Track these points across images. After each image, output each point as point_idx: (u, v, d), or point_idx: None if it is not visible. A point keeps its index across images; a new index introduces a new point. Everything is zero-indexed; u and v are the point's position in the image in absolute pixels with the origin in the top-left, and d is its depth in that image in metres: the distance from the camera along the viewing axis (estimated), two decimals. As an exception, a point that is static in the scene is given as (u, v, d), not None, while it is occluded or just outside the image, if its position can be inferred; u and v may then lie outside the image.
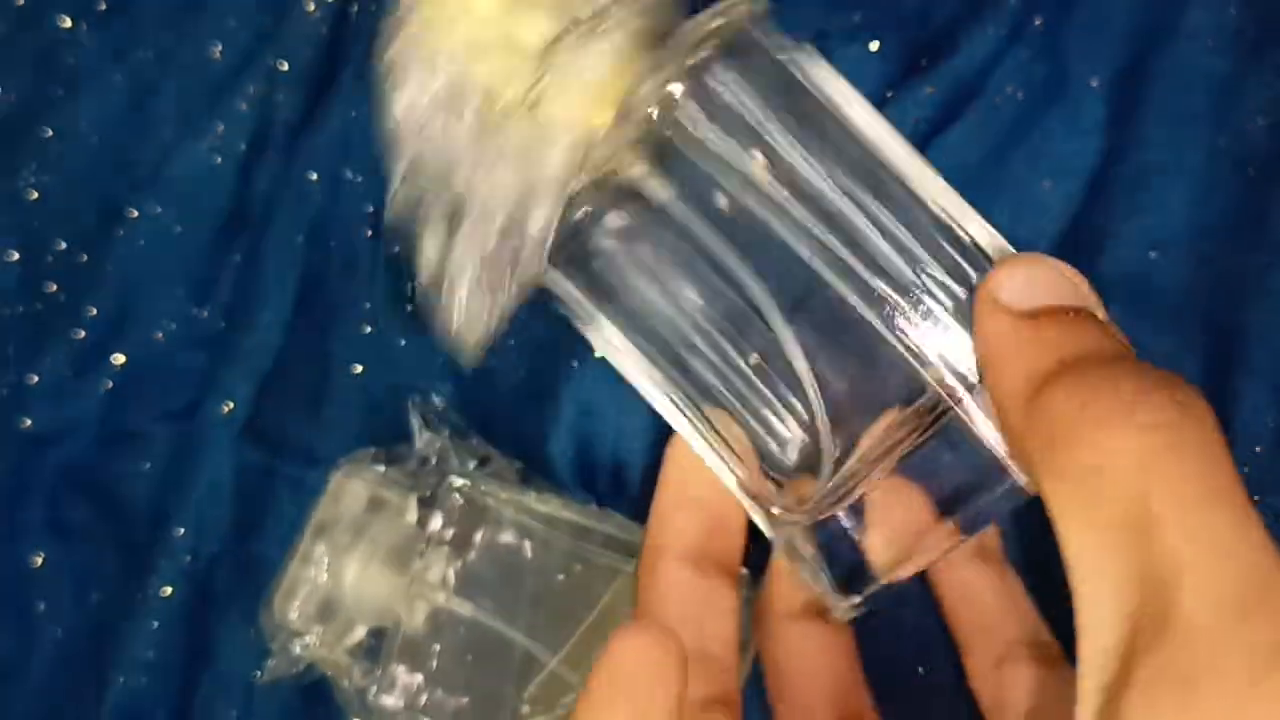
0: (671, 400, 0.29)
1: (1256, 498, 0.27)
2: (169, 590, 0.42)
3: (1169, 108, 0.37)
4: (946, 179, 0.38)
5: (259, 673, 0.40)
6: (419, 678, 0.38)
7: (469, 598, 0.38)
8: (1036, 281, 0.22)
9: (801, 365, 0.26)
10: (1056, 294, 0.22)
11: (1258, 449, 0.33)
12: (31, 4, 0.51)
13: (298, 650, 0.39)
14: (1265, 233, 0.35)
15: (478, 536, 0.39)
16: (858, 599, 0.27)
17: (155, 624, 0.42)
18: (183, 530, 0.43)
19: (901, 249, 0.25)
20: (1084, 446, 0.19)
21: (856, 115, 0.26)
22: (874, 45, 0.41)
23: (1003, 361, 0.22)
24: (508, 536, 0.39)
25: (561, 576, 0.38)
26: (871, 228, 0.25)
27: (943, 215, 0.25)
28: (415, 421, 0.42)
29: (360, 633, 0.39)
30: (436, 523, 0.39)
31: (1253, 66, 0.36)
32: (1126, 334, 0.36)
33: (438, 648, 0.38)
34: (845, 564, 0.27)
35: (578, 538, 0.38)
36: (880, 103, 0.40)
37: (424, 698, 0.38)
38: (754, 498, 0.28)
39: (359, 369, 0.44)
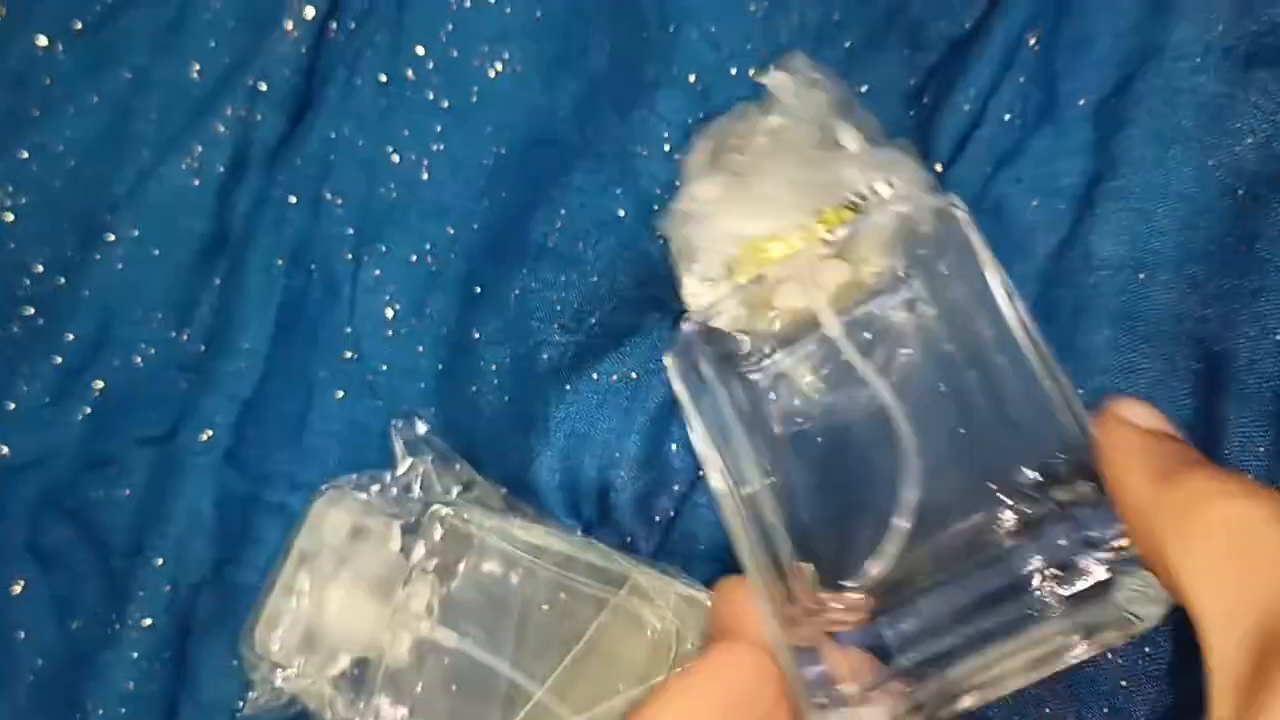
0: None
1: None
2: (149, 621, 0.42)
3: (1157, 128, 0.36)
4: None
5: (241, 704, 0.39)
6: (403, 710, 0.37)
7: (453, 627, 0.37)
8: (1146, 413, 0.28)
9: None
10: (1160, 423, 0.28)
11: (1249, 478, 0.33)
12: (7, 23, 0.50)
13: (280, 682, 0.38)
14: (1254, 256, 0.34)
15: (462, 565, 0.38)
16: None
17: (135, 654, 0.42)
18: (162, 560, 0.42)
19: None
20: (1218, 509, 0.24)
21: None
22: (864, 88, 0.41)
23: (1131, 457, 0.27)
24: (492, 565, 0.38)
25: (547, 606, 0.37)
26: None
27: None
28: (398, 447, 0.42)
29: (344, 663, 0.39)
30: (420, 551, 0.38)
31: (1240, 86, 0.36)
32: (1115, 357, 0.36)
33: (421, 679, 0.37)
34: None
35: (563, 566, 0.37)
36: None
37: None
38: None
39: (341, 394, 0.44)
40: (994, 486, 0.31)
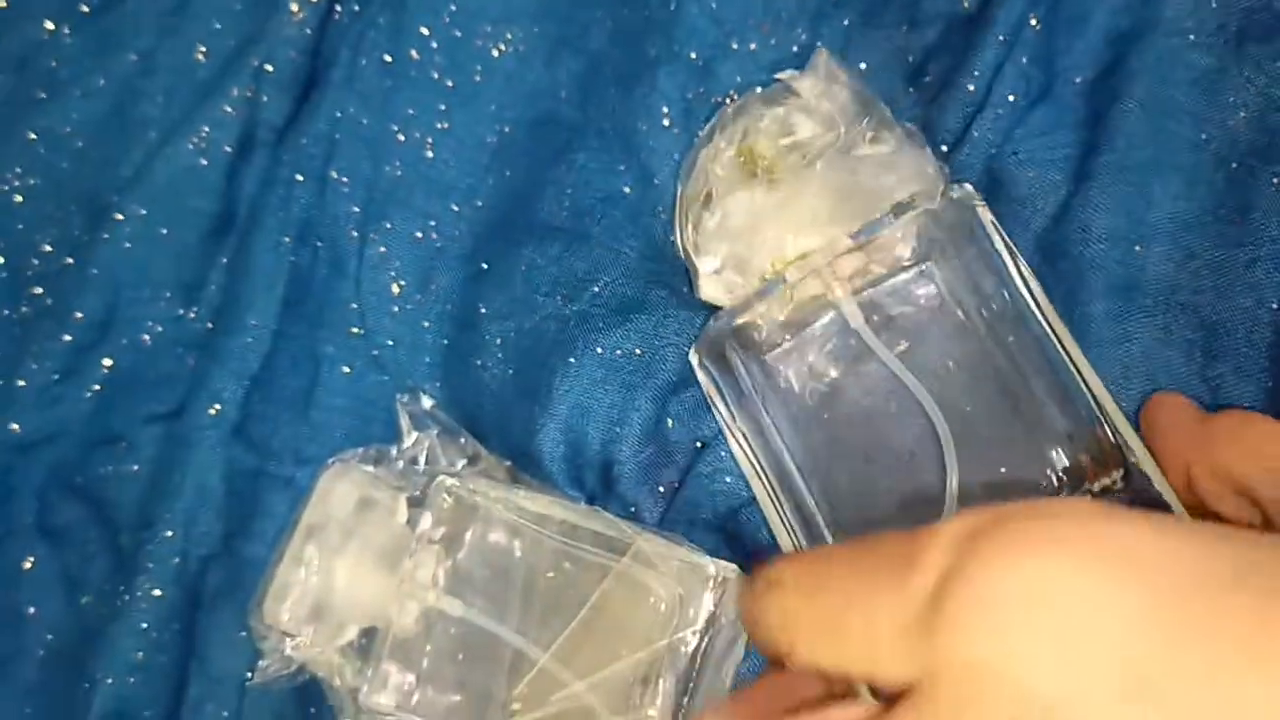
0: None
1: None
2: (158, 592, 0.42)
3: (1151, 102, 0.37)
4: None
5: (251, 674, 0.40)
6: (410, 677, 0.38)
7: (459, 596, 0.38)
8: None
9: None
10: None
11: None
12: (13, 7, 0.51)
13: (289, 651, 0.38)
14: (1249, 226, 0.35)
15: (468, 535, 0.39)
16: None
17: (144, 625, 0.42)
18: (171, 533, 0.43)
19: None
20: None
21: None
22: (863, 65, 0.42)
23: (1178, 412, 0.34)
24: (497, 535, 0.39)
25: (551, 574, 0.38)
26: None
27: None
28: (404, 421, 0.42)
29: (352, 633, 0.39)
30: (426, 522, 0.39)
31: (1234, 60, 0.36)
32: (1112, 328, 0.37)
33: (429, 647, 0.38)
34: None
35: (567, 535, 0.38)
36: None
37: (416, 697, 0.38)
38: None
39: (347, 369, 0.44)
40: (1025, 466, 0.33)
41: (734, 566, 0.36)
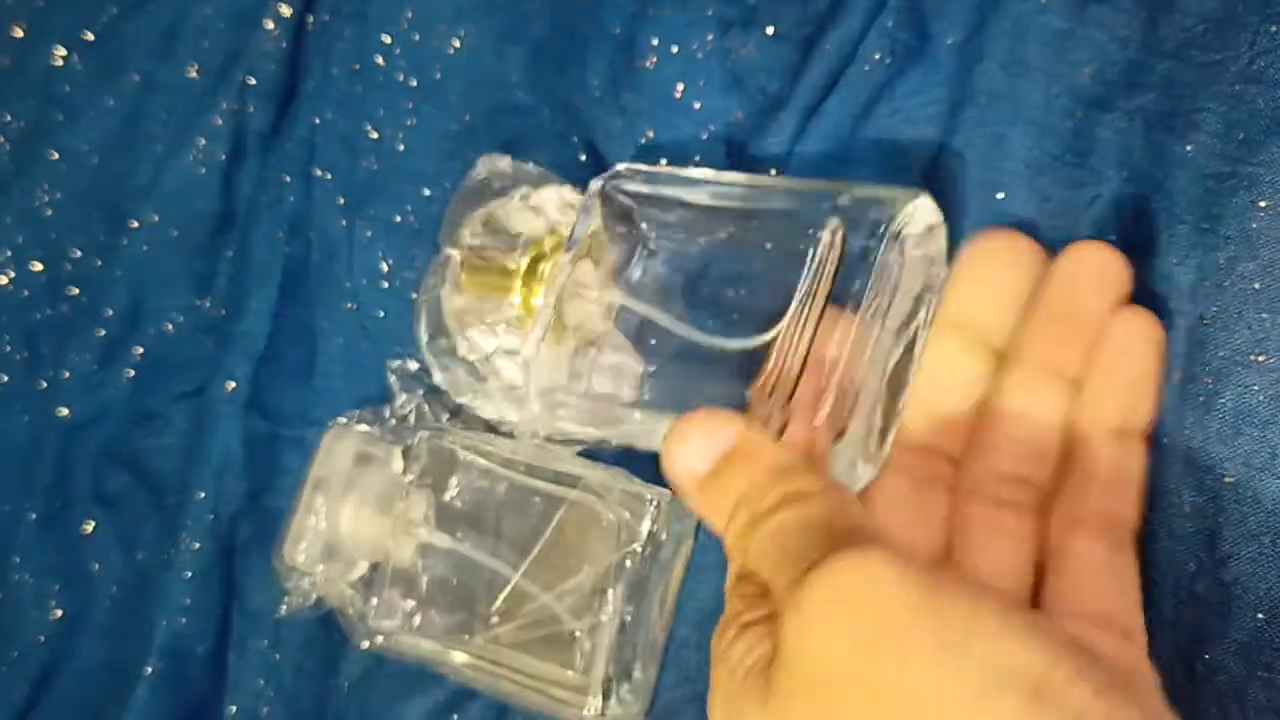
0: None
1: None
2: (198, 545, 0.49)
3: (1010, 61, 0.42)
4: (824, 140, 0.44)
5: (282, 608, 0.47)
6: (410, 603, 0.44)
7: (448, 531, 0.44)
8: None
9: None
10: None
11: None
12: (29, 37, 0.57)
13: (307, 587, 0.45)
14: (1090, 169, 0.40)
15: (452, 480, 0.45)
16: None
17: (189, 574, 0.49)
18: (203, 494, 0.50)
19: None
20: None
21: None
22: (770, 30, 0.46)
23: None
24: (475, 478, 0.45)
25: (521, 507, 0.44)
26: None
27: None
28: (393, 383, 0.48)
29: (361, 569, 0.46)
30: (415, 470, 0.45)
31: (1079, 21, 0.41)
32: None
33: (424, 577, 0.44)
34: None
35: (530, 474, 0.44)
36: (785, 91, 0.46)
37: (417, 619, 0.44)
38: None
39: (341, 341, 0.51)
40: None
41: (667, 492, 0.42)
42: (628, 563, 0.41)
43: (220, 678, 0.49)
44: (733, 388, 0.37)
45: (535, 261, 0.43)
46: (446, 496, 0.45)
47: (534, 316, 0.41)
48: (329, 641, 0.49)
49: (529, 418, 0.41)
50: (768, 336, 0.37)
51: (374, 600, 0.44)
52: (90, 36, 0.56)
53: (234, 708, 0.49)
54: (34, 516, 0.53)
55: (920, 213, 0.37)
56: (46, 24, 0.57)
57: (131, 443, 0.53)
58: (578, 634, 0.41)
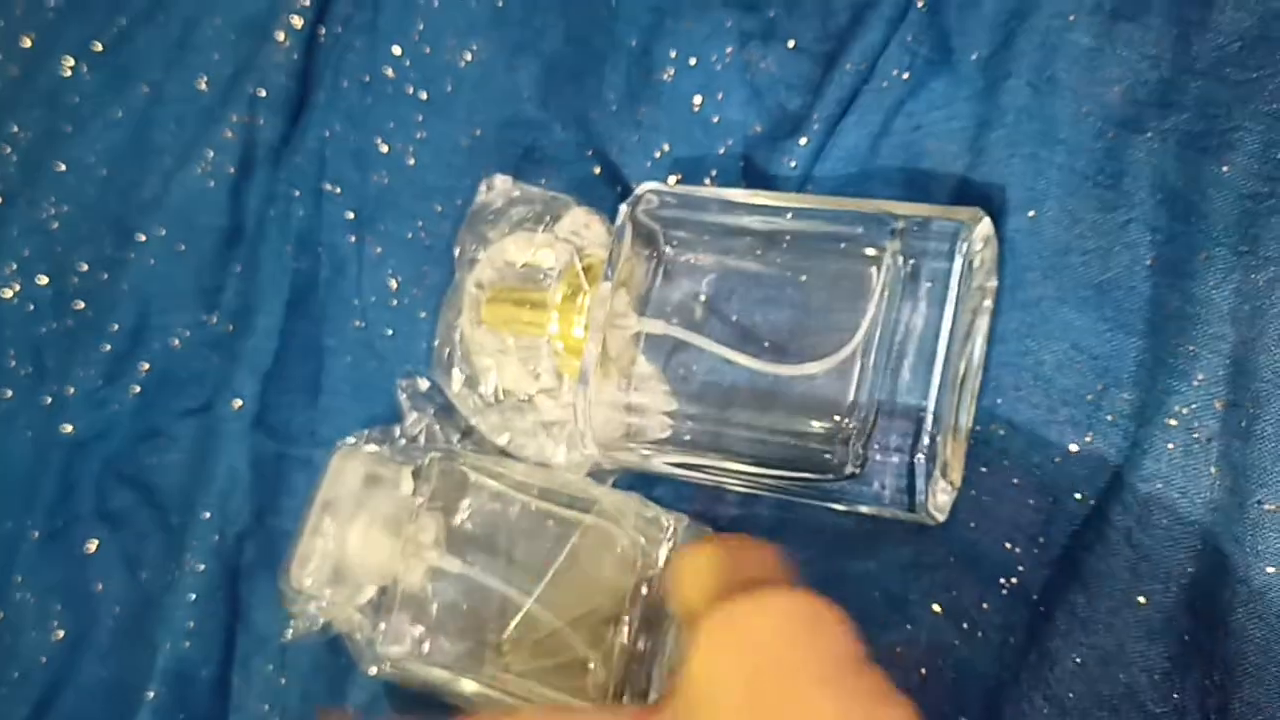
0: None
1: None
2: (202, 566, 0.49)
3: (1038, 79, 0.41)
4: (845, 156, 0.43)
5: (288, 632, 0.46)
6: (420, 629, 0.43)
7: (458, 555, 0.43)
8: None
9: None
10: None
11: (1125, 396, 0.37)
12: (37, 46, 0.56)
13: (313, 611, 0.44)
14: (1122, 191, 0.39)
15: (464, 502, 0.44)
16: None
17: (193, 596, 0.48)
18: (209, 514, 0.49)
19: None
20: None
21: None
22: (790, 43, 0.45)
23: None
24: (487, 500, 0.44)
25: (532, 531, 0.43)
26: None
27: None
28: (403, 402, 0.48)
29: (369, 593, 0.45)
30: (425, 492, 0.44)
31: (1107, 39, 0.40)
32: (1012, 289, 0.40)
33: (435, 601, 0.43)
34: None
35: (544, 497, 0.43)
36: (805, 105, 0.45)
37: (426, 645, 0.43)
38: None
39: (349, 359, 0.50)
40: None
41: (684, 517, 0.41)
42: (643, 589, 0.40)
43: (224, 704, 0.48)
44: (787, 418, 0.37)
45: (571, 293, 0.42)
46: (457, 519, 0.44)
47: (572, 350, 0.41)
48: (336, 666, 0.48)
49: (581, 458, 0.40)
50: (833, 362, 0.36)
51: (382, 625, 0.43)
52: (99, 47, 0.55)
53: (238, 733, 0.48)
54: (36, 534, 0.52)
55: (980, 231, 0.37)
56: (56, 34, 0.56)
57: (136, 460, 0.52)
58: (591, 664, 0.40)
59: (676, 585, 0.34)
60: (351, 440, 0.47)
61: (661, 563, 0.40)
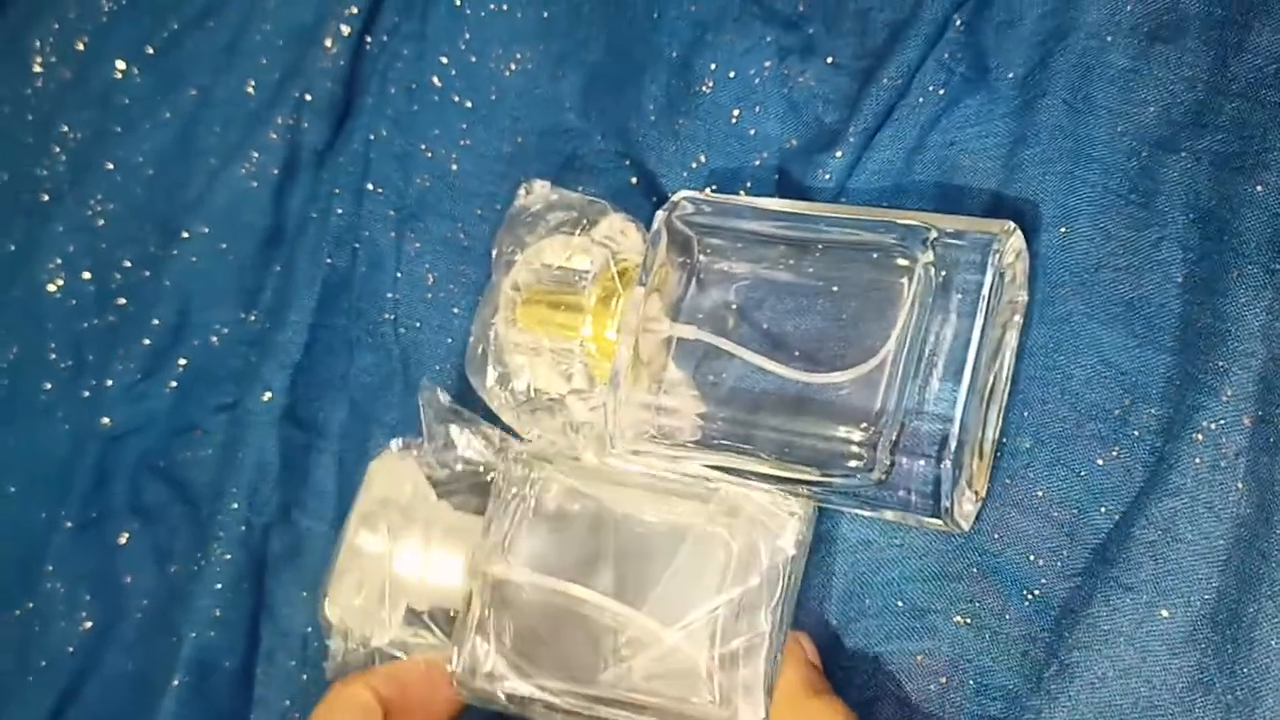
0: None
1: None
2: (229, 556, 0.49)
3: (1074, 99, 0.41)
4: (880, 170, 0.43)
5: (327, 665, 0.42)
6: (494, 650, 0.39)
7: (535, 566, 0.39)
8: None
9: None
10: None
11: (1152, 411, 0.37)
12: (90, 49, 0.58)
13: (356, 638, 0.41)
14: (1155, 209, 0.39)
15: (538, 506, 0.41)
16: None
17: (219, 585, 0.49)
18: (237, 505, 0.49)
19: None
20: None
21: None
22: (829, 59, 0.46)
23: None
24: (567, 503, 0.40)
25: (624, 535, 0.39)
26: None
27: None
28: (426, 414, 0.45)
29: (421, 610, 0.42)
30: (493, 497, 0.41)
31: (1144, 60, 0.40)
32: (1046, 307, 0.40)
33: (511, 619, 0.39)
34: None
35: (648, 491, 0.40)
36: (842, 120, 0.45)
37: (504, 667, 0.39)
38: None
39: (379, 355, 0.50)
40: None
41: (810, 503, 0.38)
42: (756, 583, 0.37)
43: (247, 694, 0.49)
44: (817, 425, 0.37)
45: (605, 297, 0.42)
46: (530, 526, 0.40)
47: (605, 353, 0.41)
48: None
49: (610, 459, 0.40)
50: (863, 371, 0.36)
51: (455, 652, 0.40)
52: (151, 51, 0.56)
53: (261, 726, 0.48)
54: (69, 525, 0.53)
55: (1013, 244, 0.37)
56: (108, 38, 0.57)
57: (170, 454, 0.53)
58: (708, 669, 0.37)
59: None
60: (394, 446, 0.44)
61: (790, 555, 0.38)
